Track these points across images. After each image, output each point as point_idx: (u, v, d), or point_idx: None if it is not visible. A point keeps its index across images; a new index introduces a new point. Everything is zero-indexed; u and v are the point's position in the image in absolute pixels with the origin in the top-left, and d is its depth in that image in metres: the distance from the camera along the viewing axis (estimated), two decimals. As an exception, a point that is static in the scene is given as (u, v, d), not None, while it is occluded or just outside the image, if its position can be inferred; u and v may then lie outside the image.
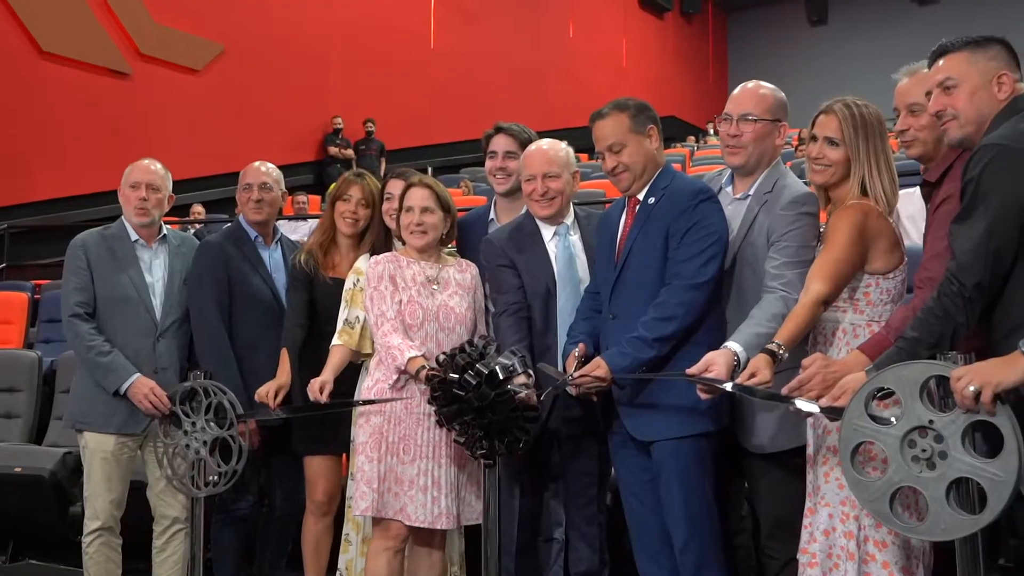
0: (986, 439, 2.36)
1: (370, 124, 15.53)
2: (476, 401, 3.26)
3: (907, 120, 3.02)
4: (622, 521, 3.55)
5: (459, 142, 16.78)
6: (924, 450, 2.41)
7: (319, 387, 3.59)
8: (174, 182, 4.30)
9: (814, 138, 3.15)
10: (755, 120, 3.30)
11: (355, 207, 4.08)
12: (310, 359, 3.91)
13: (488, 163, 4.07)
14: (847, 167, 3.08)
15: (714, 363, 2.95)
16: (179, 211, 11.80)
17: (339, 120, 15.27)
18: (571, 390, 3.28)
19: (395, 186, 3.96)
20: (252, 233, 4.28)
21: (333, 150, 15.16)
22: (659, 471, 3.24)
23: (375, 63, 15.74)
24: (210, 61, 13.57)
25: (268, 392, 3.79)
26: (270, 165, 4.36)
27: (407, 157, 15.57)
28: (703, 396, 3.00)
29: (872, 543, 2.89)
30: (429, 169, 14.69)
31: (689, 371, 2.99)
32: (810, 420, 3.08)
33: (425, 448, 3.56)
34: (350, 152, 15.24)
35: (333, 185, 4.18)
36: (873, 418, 2.49)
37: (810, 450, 3.10)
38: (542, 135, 4.00)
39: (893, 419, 2.47)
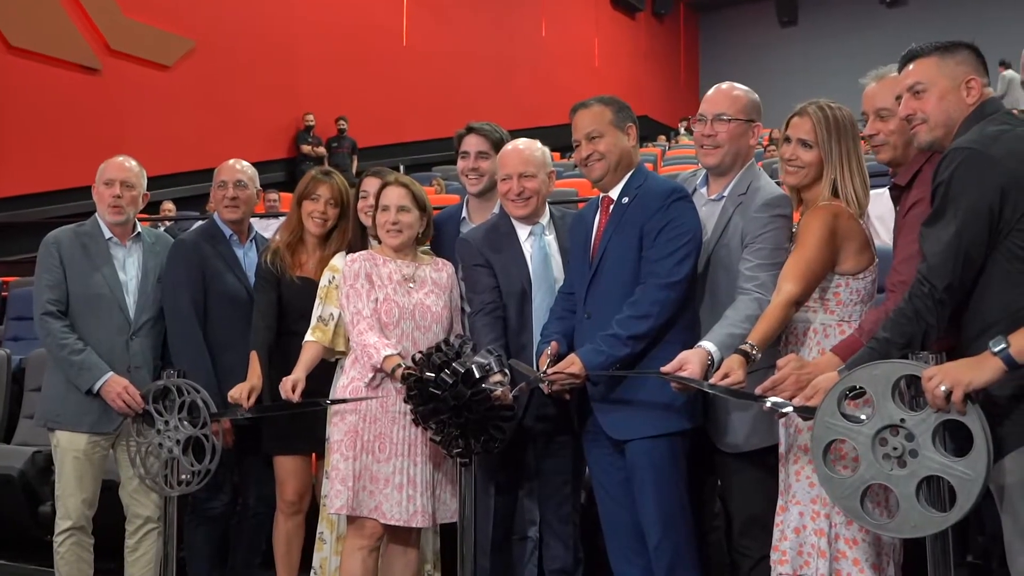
0: (955, 438, 2.40)
1: (342, 122, 15.49)
2: (452, 400, 3.26)
3: (876, 124, 3.05)
4: (596, 519, 3.57)
5: (431, 140, 16.72)
6: (895, 448, 2.45)
7: (291, 385, 3.59)
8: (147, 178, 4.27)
9: (787, 139, 3.18)
10: (729, 120, 3.33)
11: (323, 207, 4.06)
12: (279, 358, 3.90)
13: (460, 163, 4.06)
14: (820, 168, 3.12)
15: (688, 362, 2.98)
16: (149, 208, 11.63)
17: (311, 117, 15.20)
18: (544, 387, 3.30)
19: (370, 184, 3.95)
20: (227, 231, 4.25)
21: (305, 148, 15.09)
22: (633, 470, 3.26)
23: (347, 60, 15.69)
24: (181, 57, 13.46)
25: (241, 393, 3.77)
26: (245, 163, 4.34)
27: (379, 155, 15.54)
28: (676, 390, 3.04)
29: (843, 540, 2.93)
30: (401, 167, 14.65)
31: (663, 369, 3.01)
32: (782, 420, 3.10)
33: (400, 446, 3.56)
34: (322, 150, 15.17)
35: (299, 184, 4.15)
36: (845, 416, 2.53)
37: (782, 449, 3.13)
38: (514, 134, 4.00)
39: (863, 417, 2.51)
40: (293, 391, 3.58)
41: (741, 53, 25.08)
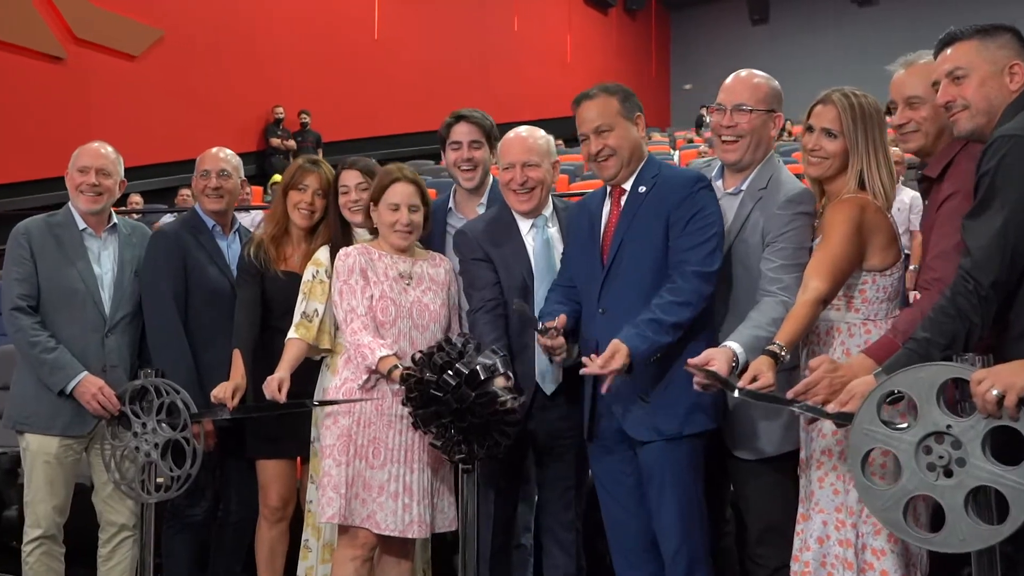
0: (1005, 445, 2.24)
1: (304, 116, 15.32)
2: (455, 403, 3.07)
3: (906, 113, 2.88)
4: (597, 525, 3.41)
5: (402, 135, 16.56)
6: (941, 457, 2.29)
7: (276, 385, 3.40)
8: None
9: (810, 129, 3.03)
10: (750, 111, 3.17)
11: (311, 197, 3.86)
12: (263, 356, 3.72)
13: (452, 155, 3.83)
14: (844, 159, 2.96)
15: (714, 359, 2.81)
16: (116, 201, 11.46)
17: (280, 110, 15.02)
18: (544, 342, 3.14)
19: (350, 177, 3.78)
20: (209, 222, 4.07)
21: (275, 141, 14.88)
22: (651, 473, 3.10)
23: (318, 53, 15.48)
24: (148, 47, 13.20)
25: (225, 393, 3.59)
26: (228, 151, 4.15)
27: (348, 149, 15.28)
28: (700, 387, 2.84)
29: (870, 551, 2.79)
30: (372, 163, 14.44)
31: (691, 362, 2.83)
32: (803, 423, 2.97)
33: (396, 452, 3.38)
34: (292, 143, 14.99)
35: (285, 173, 3.96)
36: (885, 423, 2.37)
37: (803, 454, 2.99)
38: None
39: (904, 424, 2.36)
40: (279, 391, 3.39)
41: (712, 50, 25.05)
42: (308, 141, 15.20)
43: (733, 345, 2.85)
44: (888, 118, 3.01)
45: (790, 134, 12.74)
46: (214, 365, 3.79)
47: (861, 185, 2.93)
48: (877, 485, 2.42)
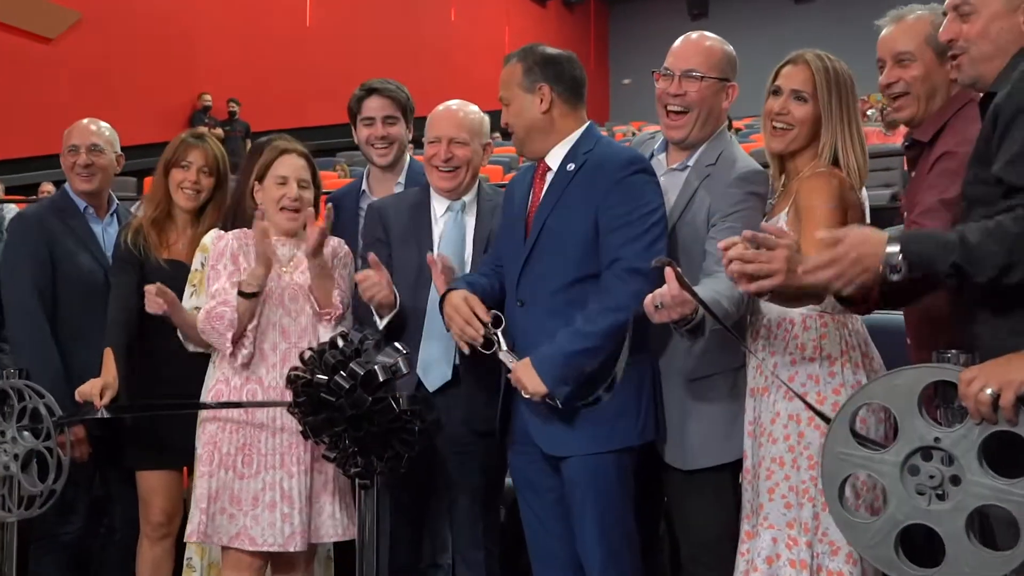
0: (1002, 455, 1.91)
1: (233, 104, 14.96)
2: (350, 408, 2.68)
3: (895, 71, 2.57)
4: (519, 540, 3.03)
5: (335, 125, 16.05)
6: (931, 476, 1.93)
7: (99, 391, 3.19)
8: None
9: (776, 92, 2.69)
10: (701, 78, 2.81)
11: (195, 175, 3.45)
12: (142, 354, 3.39)
13: (364, 132, 3.52)
14: (812, 130, 2.63)
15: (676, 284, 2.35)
16: (27, 191, 11.11)
17: (208, 97, 14.65)
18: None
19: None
20: (81, 204, 3.66)
21: (202, 129, 14.30)
22: (571, 491, 2.73)
23: (247, 38, 15.11)
24: (65, 30, 12.82)
25: (92, 390, 3.21)
26: (103, 124, 3.74)
27: (279, 139, 14.89)
28: (658, 318, 2.40)
29: (826, 574, 2.47)
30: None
31: (648, 300, 2.39)
32: (748, 428, 2.66)
33: (270, 457, 3.01)
34: (219, 131, 14.48)
35: (166, 150, 3.56)
36: (861, 442, 2.01)
37: (748, 463, 2.68)
38: (420, 121, 3.45)
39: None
40: (101, 397, 3.15)
41: (652, 45, 24.64)
42: (237, 131, 14.81)
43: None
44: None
45: (734, 130, 12.41)
46: (86, 365, 3.39)
47: (835, 161, 2.60)
48: (858, 517, 2.05)
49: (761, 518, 2.58)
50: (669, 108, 2.85)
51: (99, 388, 3.23)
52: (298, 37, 16.21)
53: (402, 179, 3.51)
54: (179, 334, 3.25)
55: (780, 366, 2.58)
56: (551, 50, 2.86)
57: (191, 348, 3.27)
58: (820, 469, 2.08)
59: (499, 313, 2.76)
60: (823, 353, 2.56)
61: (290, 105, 15.83)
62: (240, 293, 2.96)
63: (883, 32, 2.62)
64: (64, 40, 12.75)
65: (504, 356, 2.70)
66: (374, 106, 3.50)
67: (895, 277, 1.97)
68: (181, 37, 14.07)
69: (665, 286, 2.33)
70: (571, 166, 2.77)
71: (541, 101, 2.79)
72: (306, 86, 16.07)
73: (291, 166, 3.09)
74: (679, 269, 2.32)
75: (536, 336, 2.71)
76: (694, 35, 2.92)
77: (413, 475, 3.01)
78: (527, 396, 2.64)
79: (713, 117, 2.85)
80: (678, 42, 2.91)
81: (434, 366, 3.01)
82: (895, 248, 1.95)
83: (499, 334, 2.71)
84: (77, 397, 3.23)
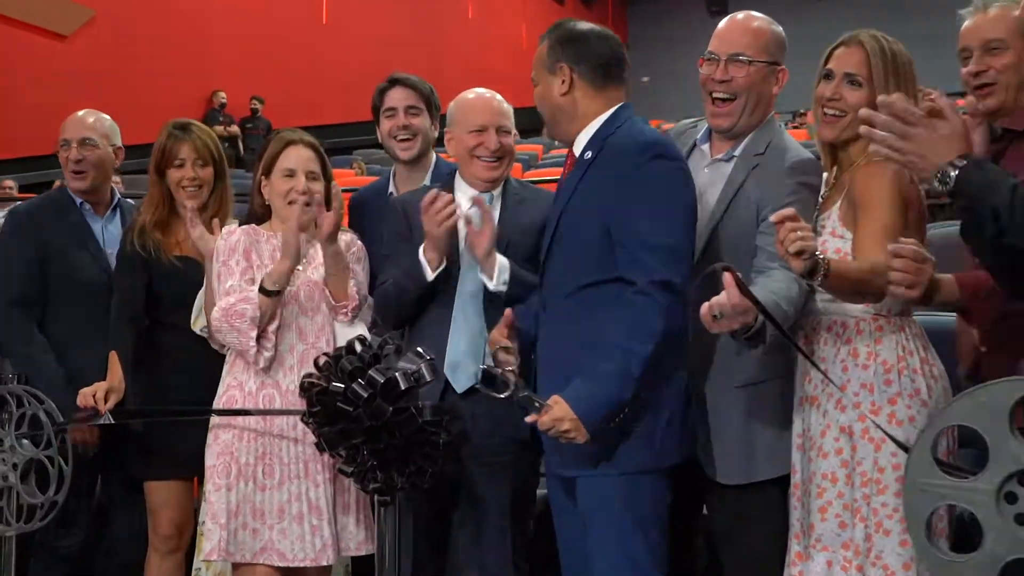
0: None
1: (256, 102, 14.90)
2: (368, 419, 2.50)
3: (985, 60, 2.42)
4: (551, 554, 2.77)
5: (352, 123, 16.02)
6: (1033, 504, 1.70)
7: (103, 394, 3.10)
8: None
9: (828, 76, 2.50)
10: (749, 62, 2.60)
11: (192, 169, 3.27)
12: (151, 358, 3.25)
13: (386, 124, 3.39)
14: None
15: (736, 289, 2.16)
16: (42, 188, 11.02)
17: (222, 95, 14.53)
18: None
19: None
20: (78, 200, 3.51)
21: (217, 128, 14.23)
22: (582, 512, 2.49)
23: (262, 36, 14.95)
24: (79, 27, 12.72)
25: (96, 393, 3.10)
26: (100, 115, 3.58)
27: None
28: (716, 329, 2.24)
29: (885, 601, 2.28)
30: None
31: (703, 309, 2.20)
32: (796, 441, 2.47)
33: (293, 466, 2.84)
34: (235, 129, 14.55)
35: (152, 152, 3.36)
36: (946, 470, 1.77)
37: (797, 478, 2.48)
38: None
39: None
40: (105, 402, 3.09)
41: (670, 42, 24.83)
42: (259, 128, 14.79)
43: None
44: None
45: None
46: (88, 369, 3.27)
47: None
48: (948, 555, 1.80)
49: (813, 539, 2.41)
50: (715, 95, 2.64)
51: (103, 392, 3.11)
52: (314, 34, 16.09)
53: (428, 179, 3.35)
54: (199, 329, 3.13)
55: (831, 374, 2.39)
56: (579, 26, 2.62)
57: (216, 346, 3.10)
58: (903, 503, 1.82)
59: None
60: (878, 359, 2.38)
61: (306, 103, 15.73)
62: (262, 290, 2.79)
63: (968, 21, 2.48)
64: (78, 37, 12.70)
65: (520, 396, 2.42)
66: (396, 97, 3.39)
67: (938, 187, 1.91)
68: (196, 34, 13.99)
69: (723, 294, 2.13)
70: (588, 154, 2.53)
71: (562, 82, 2.54)
72: (322, 83, 15.97)
73: (298, 157, 2.93)
74: (739, 274, 2.12)
75: (547, 345, 2.54)
76: (740, 16, 2.71)
77: (438, 489, 2.82)
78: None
79: (762, 104, 2.65)
80: (723, 24, 2.71)
81: (462, 365, 2.81)
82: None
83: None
84: (79, 401, 3.10)
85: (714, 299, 2.16)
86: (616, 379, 2.33)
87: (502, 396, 2.40)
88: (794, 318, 2.40)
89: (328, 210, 2.88)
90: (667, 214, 2.39)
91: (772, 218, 2.04)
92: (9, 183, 10.87)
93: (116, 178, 10.88)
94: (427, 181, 3.32)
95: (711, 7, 25.47)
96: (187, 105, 14.21)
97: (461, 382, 2.80)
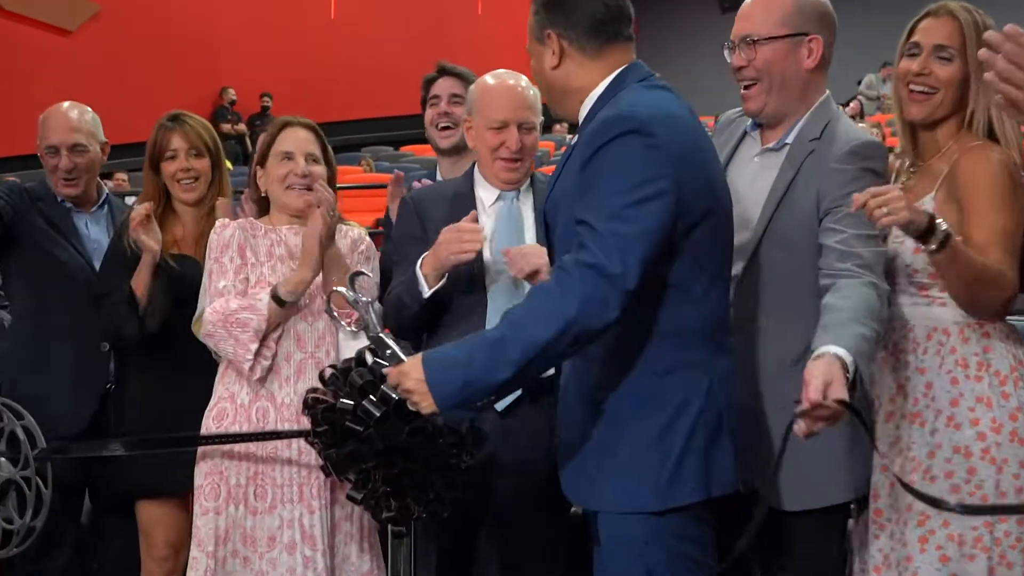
0: None
1: (266, 99, 14.96)
2: (381, 441, 2.23)
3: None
4: None
5: (360, 120, 16.11)
6: None
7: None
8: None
9: (914, 50, 2.26)
10: (755, 42, 2.31)
11: (186, 161, 3.08)
12: (155, 360, 3.08)
13: (429, 112, 3.34)
14: (957, 95, 2.20)
15: (828, 380, 1.86)
16: None
17: (231, 92, 14.54)
18: None
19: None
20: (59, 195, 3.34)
21: (225, 126, 14.25)
22: (594, 552, 2.11)
23: (269, 31, 15.00)
24: (85, 22, 12.90)
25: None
26: (83, 110, 3.36)
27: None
28: (805, 433, 1.89)
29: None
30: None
31: (800, 409, 1.88)
32: (878, 463, 2.20)
33: (287, 489, 2.61)
34: (243, 127, 14.46)
35: (147, 146, 3.17)
36: None
37: (879, 504, 2.24)
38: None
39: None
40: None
41: (681, 40, 24.77)
42: (268, 126, 14.49)
43: (839, 351, 1.92)
44: None
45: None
46: (70, 368, 3.19)
47: (991, 133, 2.20)
48: None
49: (910, 572, 2.15)
50: (740, 82, 2.39)
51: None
52: (322, 30, 16.10)
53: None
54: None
55: (938, 388, 2.16)
56: None
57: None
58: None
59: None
60: (991, 370, 2.14)
61: (314, 99, 15.69)
62: (275, 298, 2.55)
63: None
64: (83, 32, 12.81)
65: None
66: (442, 86, 3.34)
67: None
68: (204, 30, 14.04)
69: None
70: (577, 135, 2.19)
71: (552, 53, 2.14)
72: (330, 80, 15.99)
73: (295, 139, 2.69)
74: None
75: None
76: None
77: (463, 517, 2.54)
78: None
79: (792, 81, 2.33)
80: (744, 4, 2.42)
81: None
82: None
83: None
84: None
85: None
86: (487, 356, 1.88)
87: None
88: (883, 332, 2.13)
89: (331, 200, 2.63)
90: (621, 198, 1.93)
91: (853, 207, 1.75)
92: (121, 176, 10.80)
93: (122, 176, 10.88)
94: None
95: (723, 4, 25.33)
96: (195, 102, 14.19)
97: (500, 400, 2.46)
